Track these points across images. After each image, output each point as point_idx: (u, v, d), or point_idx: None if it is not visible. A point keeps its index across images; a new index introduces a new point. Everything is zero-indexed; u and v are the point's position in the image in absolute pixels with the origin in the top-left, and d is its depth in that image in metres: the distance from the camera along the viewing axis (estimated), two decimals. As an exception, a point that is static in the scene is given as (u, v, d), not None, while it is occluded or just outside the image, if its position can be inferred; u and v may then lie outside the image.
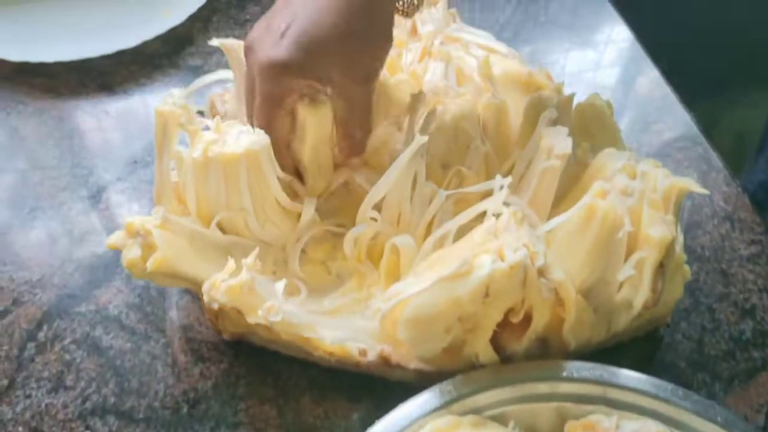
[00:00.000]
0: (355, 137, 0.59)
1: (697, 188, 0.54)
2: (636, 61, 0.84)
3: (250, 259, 0.51)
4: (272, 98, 0.54)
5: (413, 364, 0.54)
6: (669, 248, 0.52)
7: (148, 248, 0.53)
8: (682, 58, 1.09)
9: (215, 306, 0.50)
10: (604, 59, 0.85)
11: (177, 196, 0.58)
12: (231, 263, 0.52)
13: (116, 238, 0.55)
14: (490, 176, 0.62)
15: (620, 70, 0.84)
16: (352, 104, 0.57)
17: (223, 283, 0.50)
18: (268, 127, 0.56)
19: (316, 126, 0.57)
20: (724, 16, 1.33)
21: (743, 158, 1.34)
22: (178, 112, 0.55)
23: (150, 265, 0.52)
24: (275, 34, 0.53)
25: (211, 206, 0.55)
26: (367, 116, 0.59)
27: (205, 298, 0.50)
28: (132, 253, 0.54)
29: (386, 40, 0.56)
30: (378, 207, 0.59)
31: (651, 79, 0.81)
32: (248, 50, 0.55)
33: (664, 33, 1.09)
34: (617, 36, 0.87)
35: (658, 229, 0.52)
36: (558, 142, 0.55)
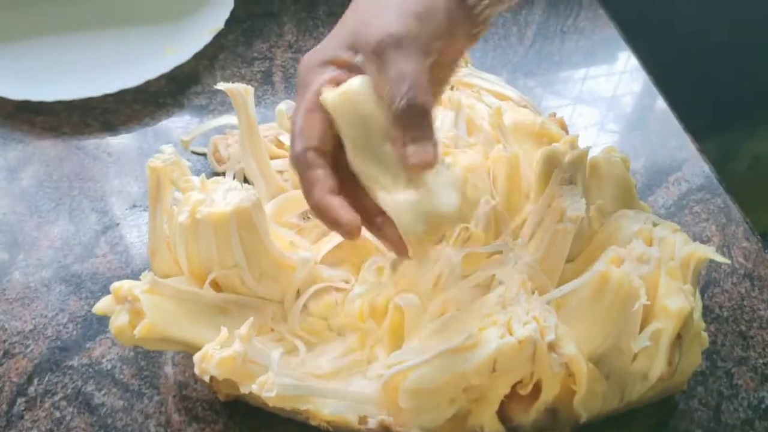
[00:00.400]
0: (404, 117, 0.44)
1: (718, 257, 0.52)
2: (653, 105, 0.82)
3: (243, 330, 0.49)
4: (298, 91, 0.48)
5: (415, 433, 0.51)
6: (687, 320, 0.50)
7: (136, 314, 0.51)
8: (697, 92, 1.07)
9: (206, 378, 0.48)
10: (620, 101, 0.82)
11: (171, 252, 0.56)
12: (224, 332, 0.49)
13: (104, 304, 0.53)
14: (499, 232, 0.60)
15: (636, 113, 0.81)
16: (384, 63, 0.44)
17: (216, 355, 0.48)
18: (298, 131, 0.46)
19: (346, 111, 0.45)
20: (740, 48, 1.31)
21: (759, 192, 1.32)
22: (170, 168, 0.53)
23: (138, 332, 0.50)
24: None
25: (204, 265, 0.53)
26: (412, 81, 0.43)
27: (196, 370, 0.48)
28: (120, 320, 0.51)
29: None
30: (383, 263, 0.57)
31: (669, 125, 0.79)
32: None
33: (680, 70, 1.07)
34: (633, 77, 0.85)
35: (676, 300, 0.49)
36: (571, 204, 0.53)
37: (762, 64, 1.30)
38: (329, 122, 0.46)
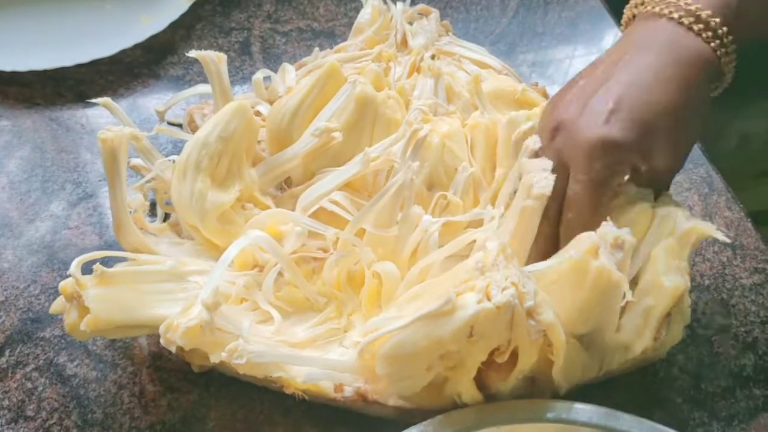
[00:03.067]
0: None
1: (720, 236, 0.50)
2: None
3: (207, 296, 0.48)
4: (602, 180, 0.50)
5: (392, 401, 0.51)
6: (680, 298, 0.50)
7: (84, 310, 0.49)
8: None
9: (173, 349, 0.47)
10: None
11: (140, 223, 0.55)
12: (190, 301, 0.48)
13: (58, 304, 0.51)
14: (477, 199, 0.59)
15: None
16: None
17: (181, 324, 0.46)
18: (592, 214, 0.50)
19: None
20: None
21: (747, 172, 1.31)
22: (124, 135, 0.52)
23: (83, 327, 0.48)
24: (600, 113, 0.49)
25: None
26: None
27: (162, 342, 0.47)
28: (70, 318, 0.50)
29: (702, 127, 0.53)
30: (362, 231, 0.56)
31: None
32: (559, 130, 0.52)
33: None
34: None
35: (672, 278, 0.49)
36: (538, 180, 0.51)
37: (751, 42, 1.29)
38: None
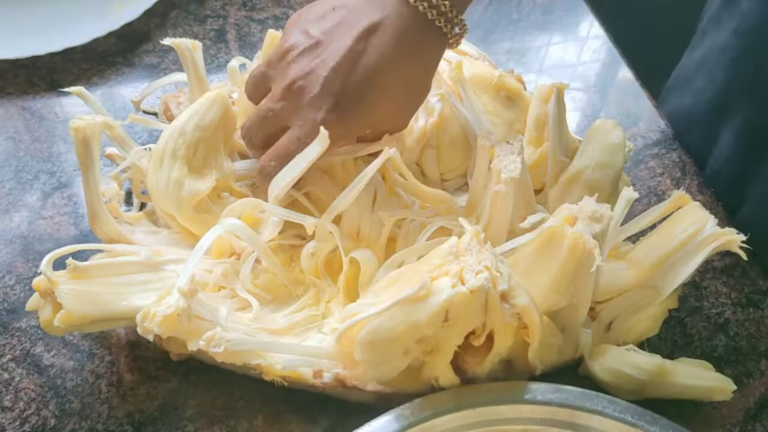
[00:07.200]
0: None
1: (739, 250, 0.54)
2: (610, 61, 0.81)
3: (183, 284, 0.47)
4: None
5: (370, 386, 0.51)
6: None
7: (57, 306, 0.48)
8: (657, 56, 1.07)
9: (150, 338, 0.47)
10: (578, 59, 0.82)
11: (115, 213, 0.55)
12: (166, 289, 0.48)
13: (33, 300, 0.51)
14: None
15: (594, 71, 0.81)
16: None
17: (158, 312, 0.46)
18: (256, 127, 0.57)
19: None
20: (696, 11, 1.32)
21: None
22: (97, 123, 0.52)
23: (57, 323, 0.48)
24: (326, 88, 0.53)
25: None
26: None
27: (139, 330, 0.47)
28: (45, 314, 0.49)
29: (425, 95, 0.58)
30: (338, 219, 0.56)
31: (625, 80, 0.79)
32: (290, 90, 0.55)
33: (639, 31, 1.07)
34: (591, 35, 0.84)
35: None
36: (506, 165, 0.52)
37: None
38: None
